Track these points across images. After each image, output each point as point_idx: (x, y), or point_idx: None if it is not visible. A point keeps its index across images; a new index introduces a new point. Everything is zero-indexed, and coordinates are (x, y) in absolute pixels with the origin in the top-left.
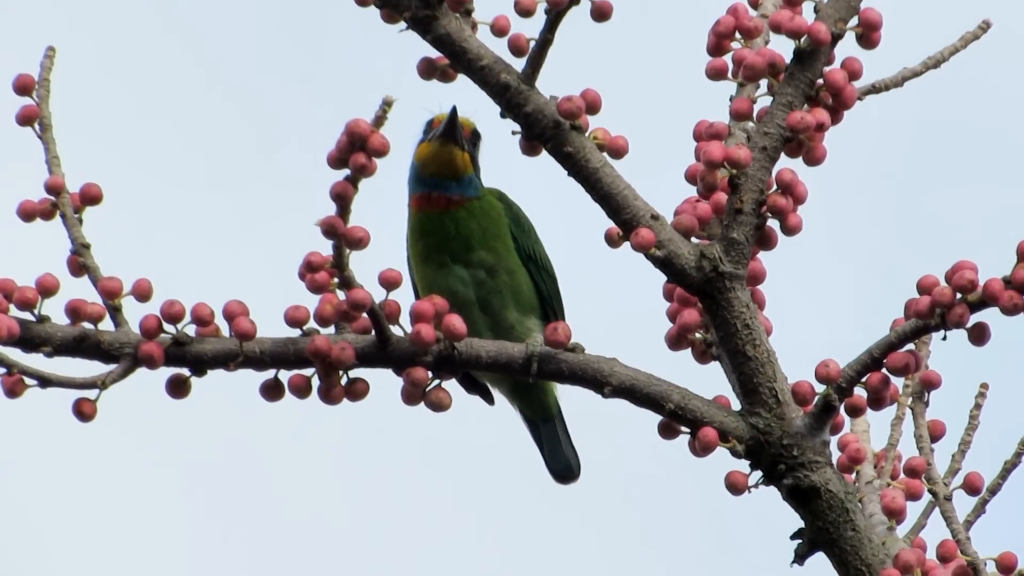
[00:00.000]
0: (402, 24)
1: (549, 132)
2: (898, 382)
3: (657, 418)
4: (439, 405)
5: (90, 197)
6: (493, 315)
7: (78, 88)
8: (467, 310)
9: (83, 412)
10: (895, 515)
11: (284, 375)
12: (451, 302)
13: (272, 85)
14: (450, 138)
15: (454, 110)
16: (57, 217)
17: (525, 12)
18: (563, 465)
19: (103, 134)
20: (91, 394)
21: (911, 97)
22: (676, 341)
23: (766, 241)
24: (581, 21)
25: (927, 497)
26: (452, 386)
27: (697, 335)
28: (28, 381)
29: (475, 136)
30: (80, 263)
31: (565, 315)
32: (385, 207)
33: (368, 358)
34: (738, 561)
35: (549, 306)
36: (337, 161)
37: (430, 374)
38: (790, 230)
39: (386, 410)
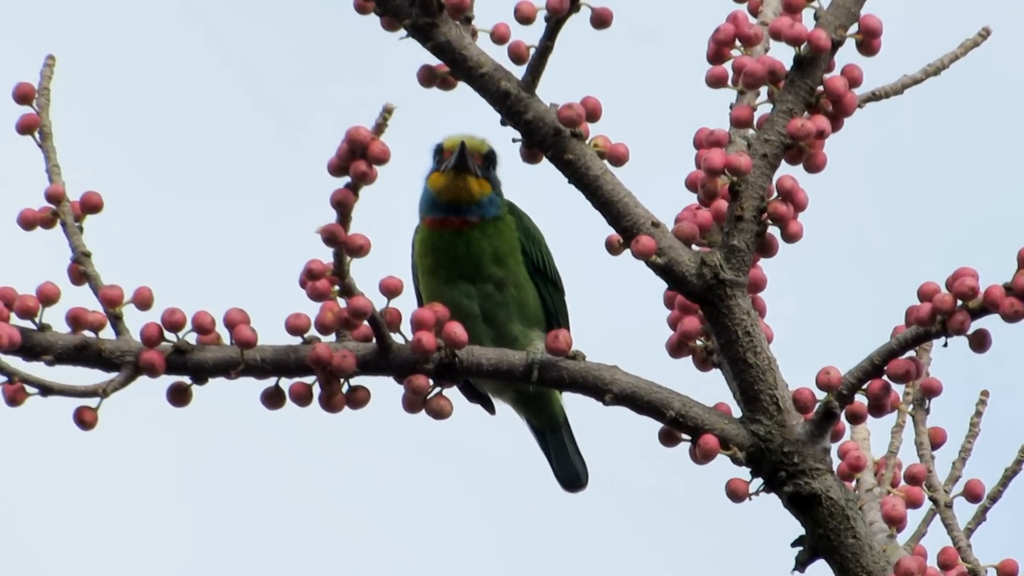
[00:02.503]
0: (402, 32)
1: (549, 139)
2: (899, 389)
3: (658, 425)
4: (440, 413)
5: (90, 205)
6: (497, 327)
7: (78, 96)
8: (471, 322)
9: (84, 420)
10: (896, 523)
11: (285, 383)
12: (455, 314)
13: (271, 93)
14: (462, 169)
15: (463, 147)
16: (58, 225)
17: (525, 19)
18: (571, 474)
19: (103, 143)
20: (92, 402)
21: (912, 104)
22: (677, 348)
23: (767, 248)
24: (581, 28)
25: (928, 505)
26: (454, 394)
27: (698, 342)
28: (29, 389)
29: (490, 157)
30: (81, 271)
31: (570, 328)
32: (386, 215)
33: (369, 366)
34: (739, 568)
35: (554, 319)
36: (338, 168)
37: (431, 382)
38: (791, 237)
39: (393, 418)
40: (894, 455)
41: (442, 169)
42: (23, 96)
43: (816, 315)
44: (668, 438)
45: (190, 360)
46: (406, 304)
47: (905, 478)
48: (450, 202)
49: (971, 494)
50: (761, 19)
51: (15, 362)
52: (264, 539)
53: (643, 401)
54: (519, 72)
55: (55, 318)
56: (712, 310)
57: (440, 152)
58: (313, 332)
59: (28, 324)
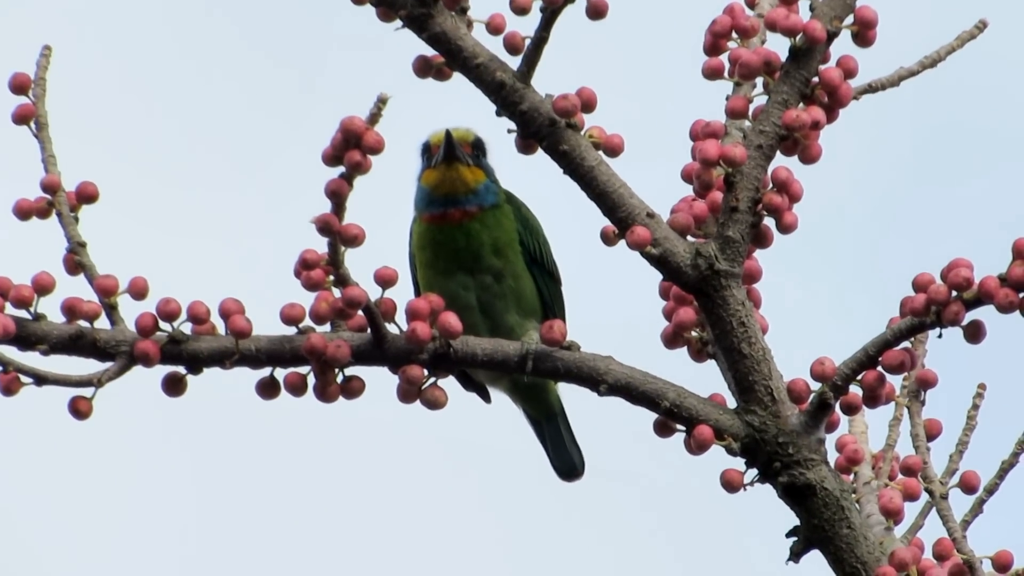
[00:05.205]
0: (398, 22)
1: (544, 130)
2: (894, 380)
3: (653, 416)
4: (435, 403)
5: (86, 195)
6: (494, 318)
7: (74, 86)
8: (468, 313)
9: (79, 410)
10: (893, 515)
11: (280, 373)
12: (452, 305)
13: (269, 84)
14: (452, 159)
15: (448, 135)
16: (53, 215)
17: (520, 10)
18: (567, 463)
19: (98, 133)
20: (87, 392)
21: (908, 96)
22: (672, 339)
23: (762, 239)
24: (577, 19)
25: (925, 498)
26: (449, 383)
27: (693, 333)
28: (24, 379)
29: (478, 145)
30: (76, 261)
31: (566, 318)
32: (380, 204)
33: (364, 356)
34: (734, 559)
35: (551, 310)
36: (332, 158)
37: (426, 372)
38: (786, 228)
39: (388, 408)
40: (891, 448)
41: (433, 164)
42: (19, 86)
43: (811, 306)
44: (663, 429)
45: (185, 350)
46: (401, 294)
47: (901, 469)
48: (447, 195)
49: (967, 486)
50: (758, 11)
51: (10, 352)
52: (259, 530)
53: (637, 392)
54: (514, 63)
55: (50, 308)
56: (707, 301)
57: (427, 149)
58: (308, 322)
59: (23, 314)
